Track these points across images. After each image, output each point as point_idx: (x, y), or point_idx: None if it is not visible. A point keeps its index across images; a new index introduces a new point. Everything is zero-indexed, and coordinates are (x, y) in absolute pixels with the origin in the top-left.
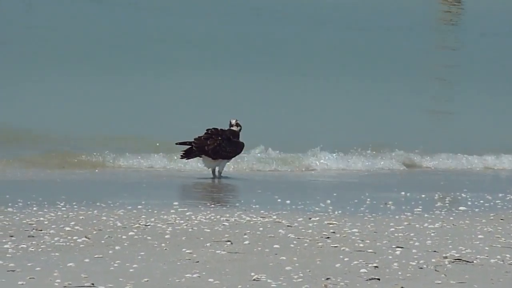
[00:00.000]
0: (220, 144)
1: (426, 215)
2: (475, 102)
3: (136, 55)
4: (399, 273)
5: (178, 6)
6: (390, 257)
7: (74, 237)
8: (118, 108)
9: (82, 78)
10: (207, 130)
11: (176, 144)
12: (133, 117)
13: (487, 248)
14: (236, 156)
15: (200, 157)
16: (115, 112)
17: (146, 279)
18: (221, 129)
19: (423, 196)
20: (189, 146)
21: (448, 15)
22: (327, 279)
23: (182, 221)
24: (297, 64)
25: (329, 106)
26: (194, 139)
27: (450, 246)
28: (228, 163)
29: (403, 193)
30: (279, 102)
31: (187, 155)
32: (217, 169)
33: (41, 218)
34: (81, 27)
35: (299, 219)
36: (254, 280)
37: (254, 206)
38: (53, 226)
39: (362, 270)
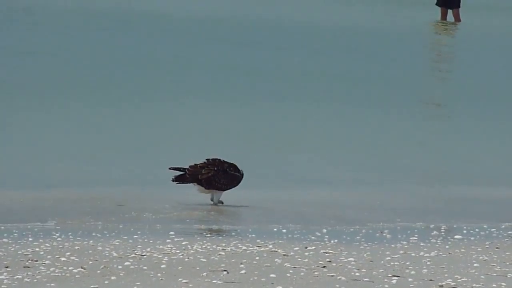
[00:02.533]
0: (214, 175)
1: (422, 244)
2: (468, 129)
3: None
4: None
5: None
6: (386, 286)
7: (70, 268)
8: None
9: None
10: (206, 159)
11: (169, 169)
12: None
13: (482, 276)
14: (232, 189)
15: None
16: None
17: None
18: (220, 160)
19: (419, 224)
20: (183, 173)
21: (441, 41)
22: None
23: (178, 251)
24: (298, 92)
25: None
26: (189, 166)
27: (446, 275)
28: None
29: (398, 221)
30: (272, 131)
31: (179, 179)
32: (214, 198)
33: (37, 249)
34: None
35: (295, 248)
36: None
37: (250, 235)
38: (48, 257)
39: None
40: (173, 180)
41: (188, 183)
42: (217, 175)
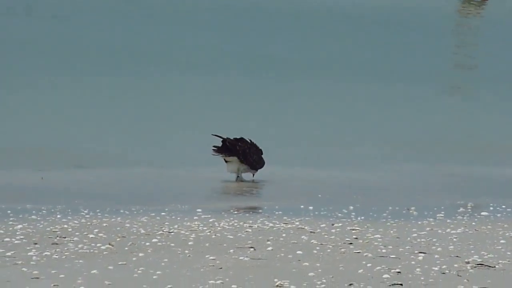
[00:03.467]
0: (250, 149)
1: (448, 221)
2: (493, 109)
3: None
4: (422, 278)
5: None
6: (413, 262)
7: (98, 244)
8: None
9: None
10: (235, 138)
11: (212, 135)
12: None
13: (509, 253)
14: (257, 171)
15: (226, 161)
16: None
17: (169, 286)
18: (251, 141)
19: (446, 201)
20: (223, 140)
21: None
22: (350, 285)
23: (206, 228)
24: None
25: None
26: (226, 137)
27: (472, 251)
28: (248, 173)
29: (425, 198)
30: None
31: (219, 151)
32: (240, 173)
33: (65, 226)
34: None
35: (321, 225)
36: (277, 286)
37: (277, 213)
38: (76, 234)
39: (384, 276)
40: (213, 151)
41: (226, 155)
42: (252, 151)
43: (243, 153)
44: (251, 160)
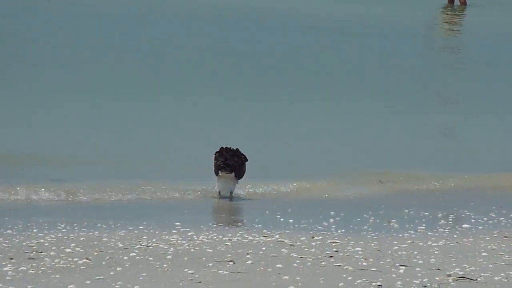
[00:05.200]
0: (242, 165)
1: (429, 233)
2: (477, 120)
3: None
4: None
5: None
6: (394, 275)
7: (75, 259)
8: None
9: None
10: (224, 148)
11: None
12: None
13: (491, 265)
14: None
15: (221, 176)
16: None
17: None
18: (237, 150)
19: (426, 214)
20: (223, 154)
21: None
22: None
23: (184, 241)
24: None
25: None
26: (220, 154)
27: (454, 264)
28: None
29: (406, 211)
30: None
31: (230, 168)
32: (233, 188)
33: (41, 240)
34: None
35: (302, 238)
36: None
37: (256, 226)
38: (53, 248)
39: None
40: (224, 169)
41: (230, 172)
42: (243, 165)
43: (239, 169)
44: (242, 174)
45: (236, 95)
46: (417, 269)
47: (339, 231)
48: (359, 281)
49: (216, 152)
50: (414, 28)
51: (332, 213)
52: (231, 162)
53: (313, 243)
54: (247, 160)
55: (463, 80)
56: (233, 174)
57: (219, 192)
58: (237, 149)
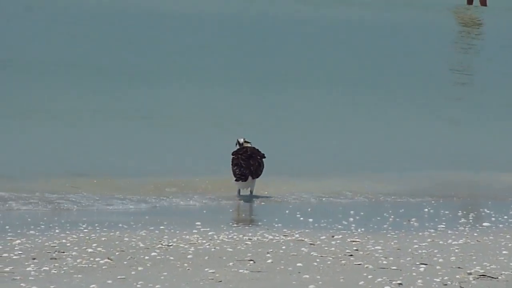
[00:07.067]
0: (261, 164)
1: (449, 232)
2: (494, 120)
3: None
4: None
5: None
6: (414, 274)
7: (97, 259)
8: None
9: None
10: (244, 146)
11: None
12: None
13: (511, 263)
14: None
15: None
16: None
17: None
18: (254, 148)
19: (446, 212)
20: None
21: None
22: None
23: (205, 241)
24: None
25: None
26: (238, 155)
27: (474, 262)
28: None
29: (426, 210)
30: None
31: (242, 178)
32: (253, 187)
33: (63, 240)
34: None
35: (321, 237)
36: None
37: (276, 225)
38: (75, 248)
39: (386, 287)
40: (239, 179)
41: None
42: (260, 165)
43: (255, 170)
44: (260, 173)
45: (256, 93)
46: (438, 267)
47: (359, 230)
48: (379, 279)
49: (233, 154)
50: (432, 29)
51: (351, 212)
52: (246, 171)
53: (333, 242)
54: (264, 157)
55: (480, 82)
56: (249, 178)
57: (239, 191)
58: (253, 147)
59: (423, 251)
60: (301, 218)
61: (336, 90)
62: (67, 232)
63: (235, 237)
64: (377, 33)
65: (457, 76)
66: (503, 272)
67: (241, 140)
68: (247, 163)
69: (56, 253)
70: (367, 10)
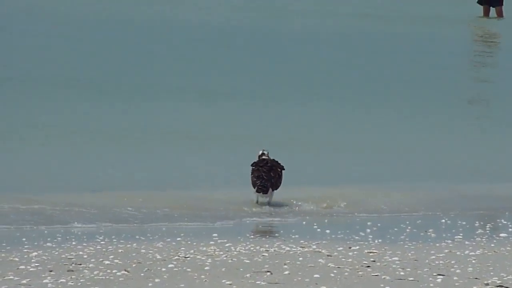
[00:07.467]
0: (280, 176)
1: (467, 242)
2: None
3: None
4: None
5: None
6: (432, 284)
7: (114, 271)
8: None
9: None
10: (263, 160)
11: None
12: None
13: None
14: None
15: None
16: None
17: None
18: (273, 160)
19: (463, 223)
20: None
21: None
22: None
23: (222, 253)
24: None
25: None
26: (259, 167)
27: (491, 273)
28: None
29: (443, 220)
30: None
31: (264, 191)
32: (271, 197)
33: (80, 252)
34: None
35: (339, 248)
36: None
37: (293, 236)
38: (92, 260)
39: None
40: (260, 190)
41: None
42: (280, 177)
43: (275, 182)
44: (279, 185)
45: (274, 102)
46: (455, 278)
47: (376, 241)
48: None
49: (253, 165)
50: (448, 41)
51: (368, 223)
52: (267, 183)
53: (350, 253)
54: (284, 169)
55: (498, 93)
56: (269, 191)
57: (257, 200)
58: (272, 159)
59: (441, 262)
60: (318, 230)
61: (351, 102)
62: (84, 244)
63: (252, 248)
64: (392, 46)
65: (474, 89)
66: None
67: (265, 152)
68: (268, 175)
69: (73, 265)
70: (383, 22)
